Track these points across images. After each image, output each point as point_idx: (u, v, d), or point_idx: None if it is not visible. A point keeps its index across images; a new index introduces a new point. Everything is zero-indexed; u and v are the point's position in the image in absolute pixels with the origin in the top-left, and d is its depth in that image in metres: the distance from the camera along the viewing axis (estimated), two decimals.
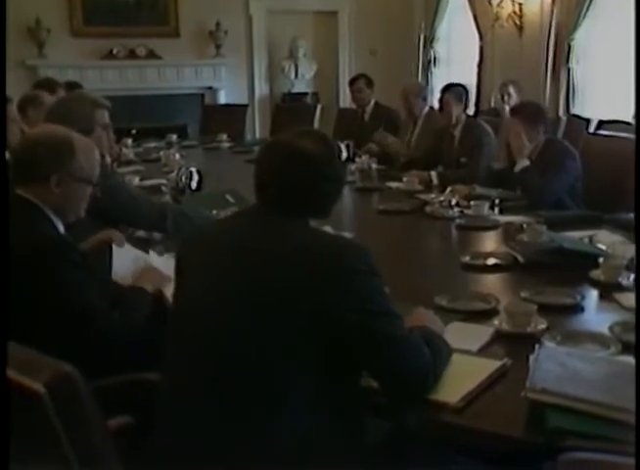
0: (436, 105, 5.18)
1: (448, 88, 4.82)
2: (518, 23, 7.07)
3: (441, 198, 3.74)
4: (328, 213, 1.85)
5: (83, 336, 2.06)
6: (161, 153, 5.46)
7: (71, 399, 1.36)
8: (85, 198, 2.28)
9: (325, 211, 1.84)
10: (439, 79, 8.25)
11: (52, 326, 2.01)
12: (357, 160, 4.77)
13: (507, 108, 6.28)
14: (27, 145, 2.25)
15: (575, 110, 6.51)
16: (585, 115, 6.14)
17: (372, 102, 6.16)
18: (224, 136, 6.41)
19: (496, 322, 2.09)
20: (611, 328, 2.03)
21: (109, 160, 3.29)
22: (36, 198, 2.16)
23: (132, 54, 8.23)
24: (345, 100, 8.19)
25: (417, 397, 1.67)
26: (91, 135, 2.74)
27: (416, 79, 8.50)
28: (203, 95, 8.68)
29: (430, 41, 8.50)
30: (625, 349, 1.90)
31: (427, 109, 5.49)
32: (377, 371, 1.68)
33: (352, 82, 6.32)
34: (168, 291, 1.97)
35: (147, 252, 2.77)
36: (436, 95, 5.21)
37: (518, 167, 3.75)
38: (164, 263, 2.50)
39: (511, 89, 6.60)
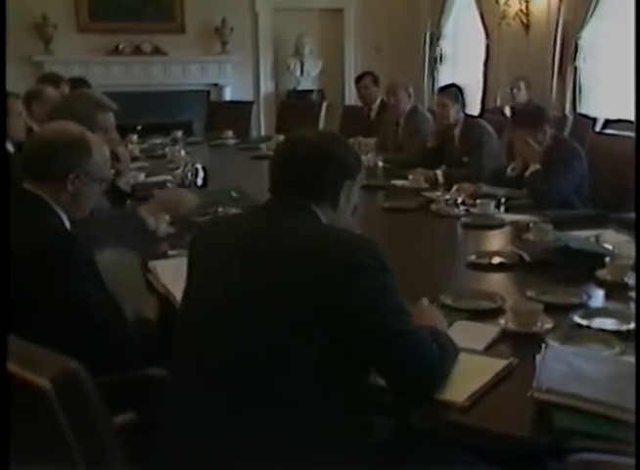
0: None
1: (443, 89, 4.87)
2: (524, 21, 7.06)
3: (447, 196, 3.74)
4: (337, 200, 1.82)
5: (83, 331, 2.06)
6: (167, 149, 5.46)
7: (78, 396, 1.35)
8: (95, 196, 2.30)
9: (334, 198, 1.82)
10: (445, 77, 8.25)
11: (52, 320, 2.01)
12: (363, 157, 4.75)
13: (507, 109, 6.30)
14: (43, 142, 2.23)
15: (582, 108, 6.50)
16: (592, 113, 6.13)
17: (378, 99, 6.16)
18: (229, 133, 6.41)
19: (502, 321, 2.09)
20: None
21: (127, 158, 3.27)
22: (46, 194, 2.17)
23: (138, 50, 8.25)
24: (351, 97, 8.19)
25: (425, 395, 1.67)
26: None
27: (420, 77, 8.52)
28: (208, 92, 8.69)
29: (436, 39, 8.49)
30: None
31: (409, 106, 5.49)
32: (385, 368, 1.67)
33: (359, 80, 6.32)
34: (177, 292, 1.97)
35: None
36: None
37: (529, 171, 3.76)
38: (175, 266, 2.49)
39: (522, 85, 6.62)
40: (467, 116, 4.83)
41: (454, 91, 4.75)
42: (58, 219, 2.18)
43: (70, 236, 2.16)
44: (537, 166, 3.72)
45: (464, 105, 4.78)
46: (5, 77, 3.29)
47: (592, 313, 2.14)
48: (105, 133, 2.97)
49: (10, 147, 3.64)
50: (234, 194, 3.61)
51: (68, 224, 2.22)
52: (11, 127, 3.64)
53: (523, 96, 6.62)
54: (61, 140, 2.20)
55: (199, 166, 3.99)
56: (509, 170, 3.93)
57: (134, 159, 5.21)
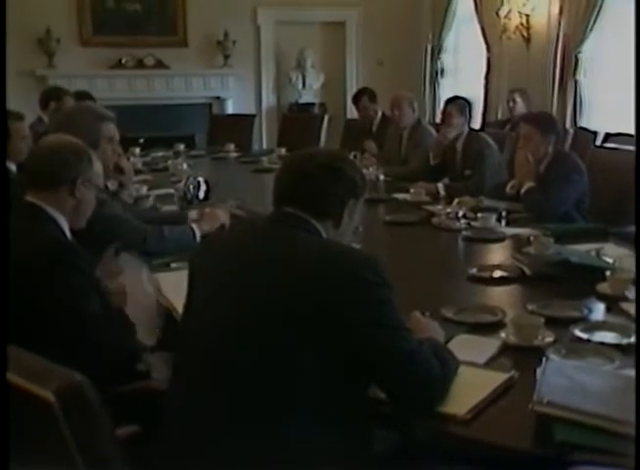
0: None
1: (452, 100, 4.88)
2: (525, 34, 7.08)
3: (448, 209, 3.74)
4: (340, 218, 1.84)
5: (83, 343, 2.07)
6: (169, 162, 5.47)
7: (82, 408, 1.36)
8: (93, 206, 2.33)
9: (337, 215, 1.83)
10: (446, 90, 8.27)
11: (55, 331, 2.02)
12: (364, 171, 4.77)
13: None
14: (53, 150, 2.29)
15: (582, 122, 6.51)
16: (592, 127, 6.15)
17: (379, 114, 6.18)
18: (231, 146, 6.41)
19: (503, 335, 2.10)
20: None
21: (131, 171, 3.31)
22: (50, 204, 2.20)
23: (141, 64, 8.27)
24: (353, 110, 8.19)
25: (426, 409, 1.67)
26: (97, 149, 2.76)
27: (421, 90, 8.55)
28: (210, 105, 8.70)
29: (437, 52, 8.52)
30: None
31: (413, 120, 5.50)
32: (385, 384, 1.69)
33: (356, 100, 6.33)
34: (180, 305, 1.98)
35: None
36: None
37: (523, 189, 3.79)
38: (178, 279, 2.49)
39: (516, 97, 6.63)
40: (470, 129, 4.85)
41: (462, 103, 4.78)
42: (59, 230, 2.21)
43: (72, 247, 2.18)
44: (531, 184, 3.75)
45: (470, 118, 4.80)
46: (5, 93, 3.27)
47: (593, 327, 2.15)
48: (109, 142, 2.99)
49: (12, 167, 3.64)
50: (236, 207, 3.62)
51: (69, 235, 2.24)
52: (14, 150, 3.63)
53: (520, 108, 6.63)
54: (68, 148, 2.28)
55: (201, 180, 4.02)
56: (508, 188, 3.95)
57: (137, 172, 5.23)
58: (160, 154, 6.12)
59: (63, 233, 2.22)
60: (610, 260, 2.75)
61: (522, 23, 7.06)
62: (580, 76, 6.54)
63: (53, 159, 2.25)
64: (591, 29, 6.31)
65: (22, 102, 5.26)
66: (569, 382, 1.68)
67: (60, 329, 2.03)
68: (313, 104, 8.83)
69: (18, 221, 2.14)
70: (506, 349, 2.04)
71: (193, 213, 3.45)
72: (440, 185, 4.44)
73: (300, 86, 8.81)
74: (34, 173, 2.25)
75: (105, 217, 2.68)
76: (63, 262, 2.08)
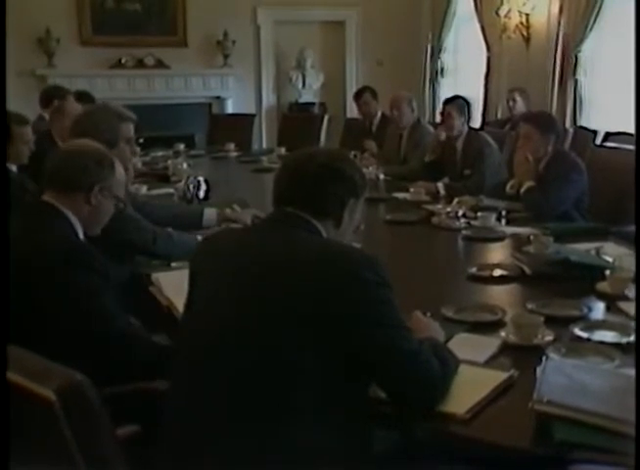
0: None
1: (451, 100, 4.88)
2: (525, 34, 7.09)
3: (448, 209, 3.75)
4: (340, 218, 1.84)
5: (100, 340, 2.08)
6: (169, 162, 5.48)
7: (82, 408, 1.36)
8: (109, 214, 2.33)
9: (337, 215, 1.83)
10: (446, 90, 8.27)
11: (67, 330, 2.02)
12: (364, 170, 4.77)
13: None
14: (74, 154, 2.29)
15: (582, 121, 6.52)
16: (592, 126, 6.15)
17: (378, 113, 6.19)
18: (231, 146, 6.42)
19: (503, 334, 2.10)
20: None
21: (132, 174, 3.33)
22: (67, 207, 2.20)
23: (140, 63, 8.27)
24: (352, 110, 8.21)
25: (426, 408, 1.67)
26: (115, 149, 2.76)
27: (421, 90, 8.55)
28: (210, 105, 8.71)
29: (437, 52, 8.52)
30: None
31: (412, 120, 5.50)
32: (385, 383, 1.69)
33: (358, 96, 6.35)
34: (180, 304, 1.98)
35: None
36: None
37: (523, 189, 3.80)
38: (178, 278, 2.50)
39: (516, 96, 6.63)
40: (470, 128, 4.85)
41: (461, 103, 4.78)
42: (71, 230, 2.21)
43: (83, 246, 2.18)
44: (531, 183, 3.75)
45: (469, 118, 4.81)
46: (5, 93, 3.27)
47: (592, 326, 2.16)
48: (127, 143, 2.99)
49: (13, 167, 3.64)
50: (236, 207, 3.62)
51: (81, 236, 2.24)
52: (16, 154, 3.62)
53: (520, 107, 6.63)
54: (91, 153, 2.28)
55: (201, 179, 4.02)
56: (508, 188, 3.95)
57: (136, 171, 5.23)
58: (160, 153, 6.11)
59: (75, 233, 2.22)
60: (609, 259, 2.75)
61: (521, 23, 7.07)
62: (580, 76, 6.54)
63: (73, 163, 2.24)
64: (591, 29, 6.32)
65: (22, 102, 5.27)
66: (568, 381, 1.68)
67: (64, 327, 2.03)
68: (313, 103, 8.84)
69: (28, 218, 2.15)
70: (506, 348, 2.04)
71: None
72: (440, 184, 4.44)
73: (300, 86, 8.81)
74: (53, 175, 2.25)
75: (117, 216, 2.66)
76: (70, 262, 2.08)
